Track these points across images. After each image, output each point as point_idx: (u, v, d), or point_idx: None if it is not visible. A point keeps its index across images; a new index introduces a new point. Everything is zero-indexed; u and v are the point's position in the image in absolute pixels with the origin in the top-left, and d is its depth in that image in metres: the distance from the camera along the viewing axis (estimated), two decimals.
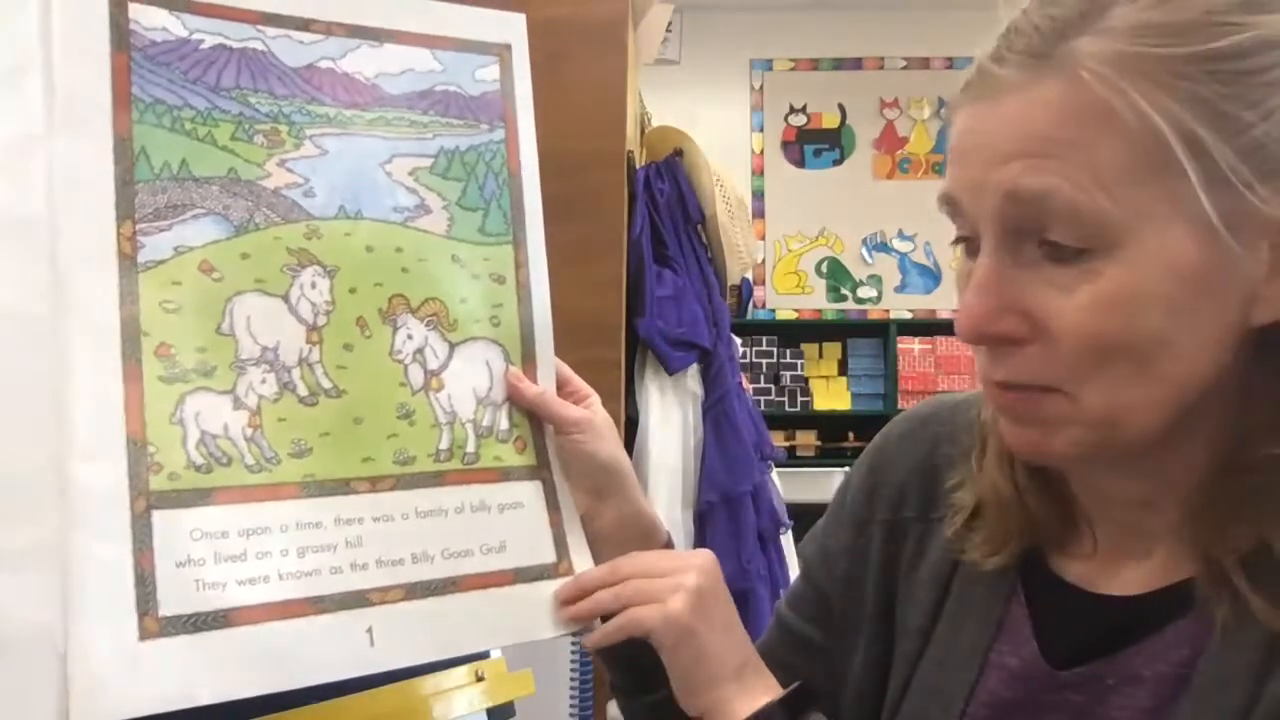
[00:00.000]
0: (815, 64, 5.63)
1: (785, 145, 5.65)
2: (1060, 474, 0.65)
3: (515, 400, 0.76)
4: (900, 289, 5.55)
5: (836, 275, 5.56)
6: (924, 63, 5.50)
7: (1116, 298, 0.53)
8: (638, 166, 2.21)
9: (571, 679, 1.60)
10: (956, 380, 5.33)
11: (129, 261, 0.61)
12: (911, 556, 0.71)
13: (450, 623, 0.67)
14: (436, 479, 0.70)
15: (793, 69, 5.67)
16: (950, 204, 0.59)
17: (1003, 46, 0.56)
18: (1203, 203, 0.52)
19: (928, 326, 5.40)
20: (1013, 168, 0.54)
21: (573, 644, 1.58)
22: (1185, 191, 0.52)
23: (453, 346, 0.73)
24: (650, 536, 0.78)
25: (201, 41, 0.66)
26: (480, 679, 0.89)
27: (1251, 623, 0.55)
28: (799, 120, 5.65)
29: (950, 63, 5.50)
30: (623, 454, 0.78)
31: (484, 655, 0.91)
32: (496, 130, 0.77)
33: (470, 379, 0.73)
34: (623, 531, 0.77)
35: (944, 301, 5.50)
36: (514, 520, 0.73)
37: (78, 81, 0.61)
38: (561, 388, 0.78)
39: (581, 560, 0.74)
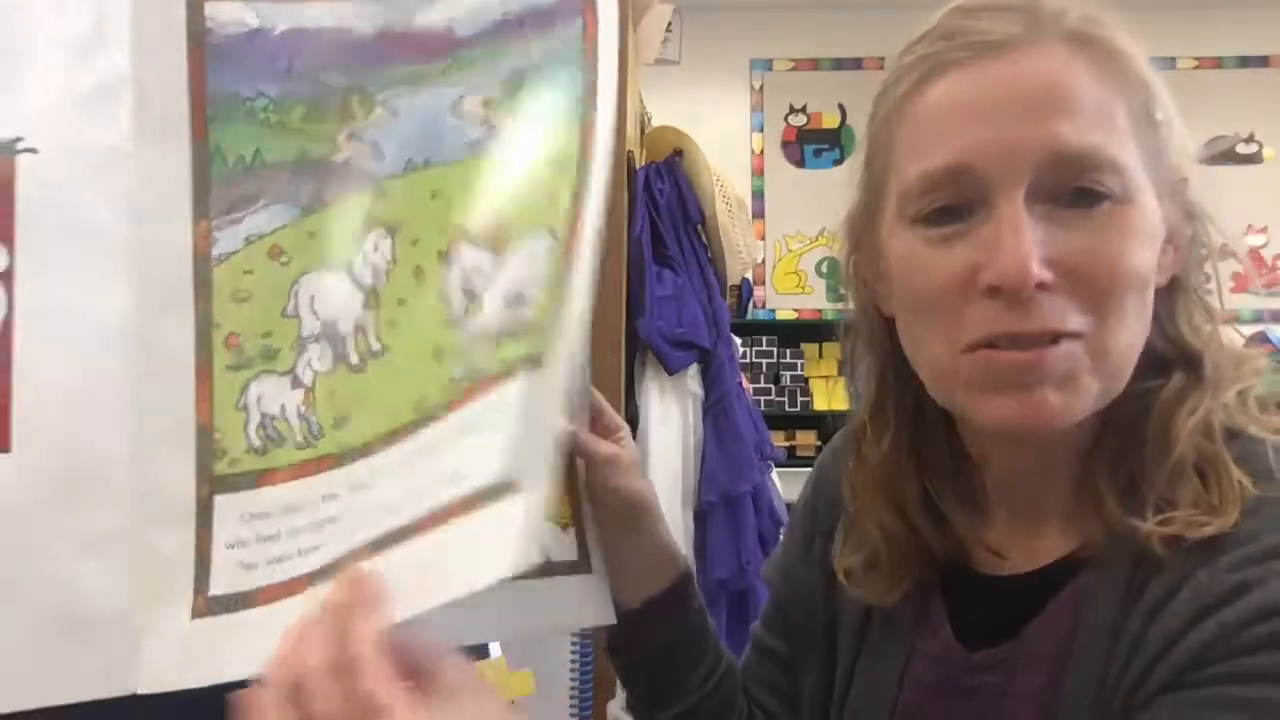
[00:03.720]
0: (815, 64, 5.63)
1: (785, 145, 5.64)
2: (967, 473, 0.69)
3: None
4: None
5: (836, 275, 5.53)
6: None
7: (1128, 233, 0.58)
8: (638, 166, 2.21)
9: (571, 679, 1.60)
10: None
11: (204, 259, 0.63)
12: None
13: (416, 572, 0.55)
14: (443, 411, 0.60)
15: (793, 69, 5.67)
16: (961, 173, 0.58)
17: (980, 10, 0.60)
18: (1156, 164, 0.60)
19: None
20: (1054, 124, 0.57)
21: (572, 644, 1.58)
22: (1151, 151, 0.60)
23: (500, 257, 0.64)
24: (669, 566, 0.80)
25: (274, 29, 0.66)
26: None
27: (1110, 588, 0.59)
28: (799, 120, 5.64)
29: None
30: (648, 488, 0.80)
31: (484, 654, 0.91)
32: (573, 23, 0.69)
33: (511, 282, 0.63)
34: (643, 560, 0.78)
35: None
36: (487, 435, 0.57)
37: (158, 85, 0.63)
38: (595, 420, 0.79)
39: (599, 564, 0.73)
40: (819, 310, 5.53)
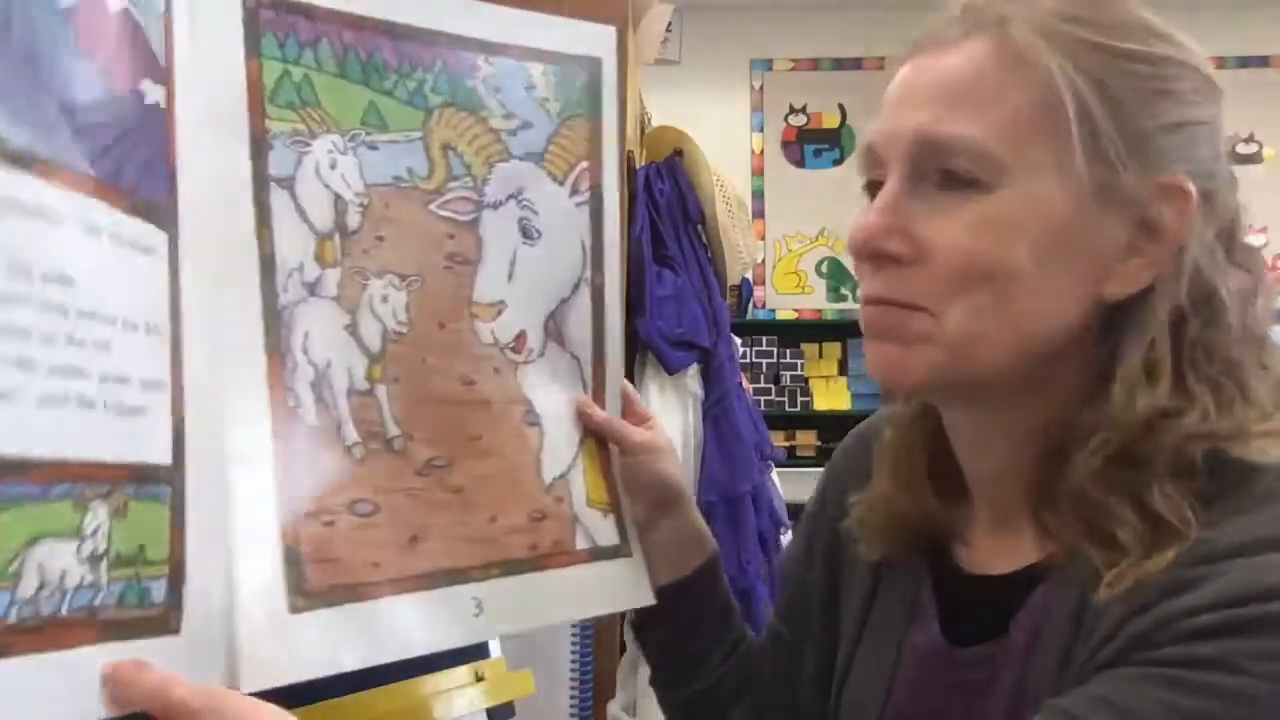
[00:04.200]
0: (815, 64, 5.63)
1: (785, 145, 5.64)
2: (949, 464, 0.70)
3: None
4: None
5: (836, 275, 5.55)
6: None
7: (989, 223, 0.59)
8: (638, 166, 2.20)
9: (571, 679, 1.60)
10: None
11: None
12: (852, 558, 0.76)
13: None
14: None
15: (793, 69, 5.67)
16: (868, 155, 0.65)
17: (948, 16, 0.64)
18: (1079, 166, 0.59)
19: None
20: (925, 113, 0.61)
21: (572, 644, 1.58)
22: (1068, 152, 0.59)
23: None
24: (700, 547, 0.85)
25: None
26: (480, 679, 0.89)
27: (1072, 586, 0.59)
28: (799, 120, 5.64)
29: None
30: (681, 473, 0.85)
31: (484, 655, 0.91)
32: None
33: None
34: (677, 542, 0.83)
35: None
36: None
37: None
38: (626, 408, 0.84)
39: (636, 547, 0.82)
40: (819, 310, 5.53)
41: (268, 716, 0.51)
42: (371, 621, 0.64)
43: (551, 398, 0.78)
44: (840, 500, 0.78)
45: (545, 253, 0.78)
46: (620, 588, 0.80)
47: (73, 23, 0.51)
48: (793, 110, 5.64)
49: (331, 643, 0.62)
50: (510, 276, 0.76)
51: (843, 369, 5.40)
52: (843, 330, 5.45)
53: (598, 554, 0.78)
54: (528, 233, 0.77)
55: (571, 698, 1.59)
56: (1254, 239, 0.64)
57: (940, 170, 0.60)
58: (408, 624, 0.66)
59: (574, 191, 0.80)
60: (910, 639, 0.70)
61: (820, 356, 5.41)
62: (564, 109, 0.79)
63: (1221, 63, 5.22)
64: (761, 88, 5.67)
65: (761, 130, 5.65)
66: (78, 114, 0.50)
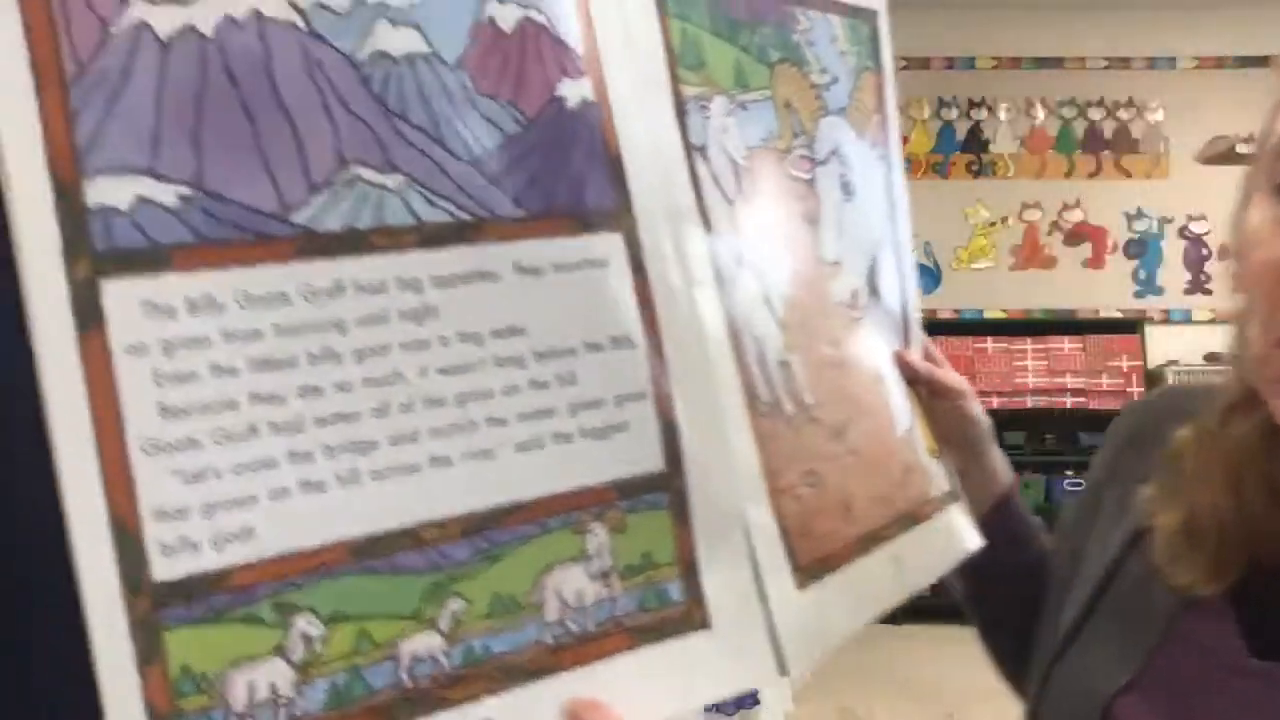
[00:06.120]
0: None
1: None
2: None
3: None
4: None
5: None
6: (924, 63, 5.48)
7: None
8: None
9: None
10: None
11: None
12: (1110, 512, 0.72)
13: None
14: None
15: None
16: None
17: None
18: None
19: (928, 326, 5.34)
20: None
21: None
22: None
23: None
24: (1002, 481, 0.84)
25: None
26: None
27: None
28: None
29: (950, 63, 5.47)
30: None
31: None
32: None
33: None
34: (984, 478, 0.83)
35: (944, 301, 5.49)
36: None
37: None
38: (925, 356, 0.83)
39: (960, 489, 0.81)
40: None
41: None
42: (844, 590, 0.64)
43: (882, 352, 0.77)
44: (1113, 454, 0.75)
45: (861, 208, 0.77)
46: (961, 532, 0.78)
47: (466, 69, 0.50)
48: None
49: (829, 616, 0.62)
50: (840, 234, 0.75)
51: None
52: None
53: (945, 500, 0.78)
54: (847, 189, 0.76)
55: None
56: None
57: None
58: (864, 589, 0.66)
59: (873, 145, 0.79)
60: (1187, 627, 0.63)
61: None
62: (857, 62, 0.78)
63: (1221, 63, 5.21)
64: None
65: None
66: (492, 164, 0.50)
